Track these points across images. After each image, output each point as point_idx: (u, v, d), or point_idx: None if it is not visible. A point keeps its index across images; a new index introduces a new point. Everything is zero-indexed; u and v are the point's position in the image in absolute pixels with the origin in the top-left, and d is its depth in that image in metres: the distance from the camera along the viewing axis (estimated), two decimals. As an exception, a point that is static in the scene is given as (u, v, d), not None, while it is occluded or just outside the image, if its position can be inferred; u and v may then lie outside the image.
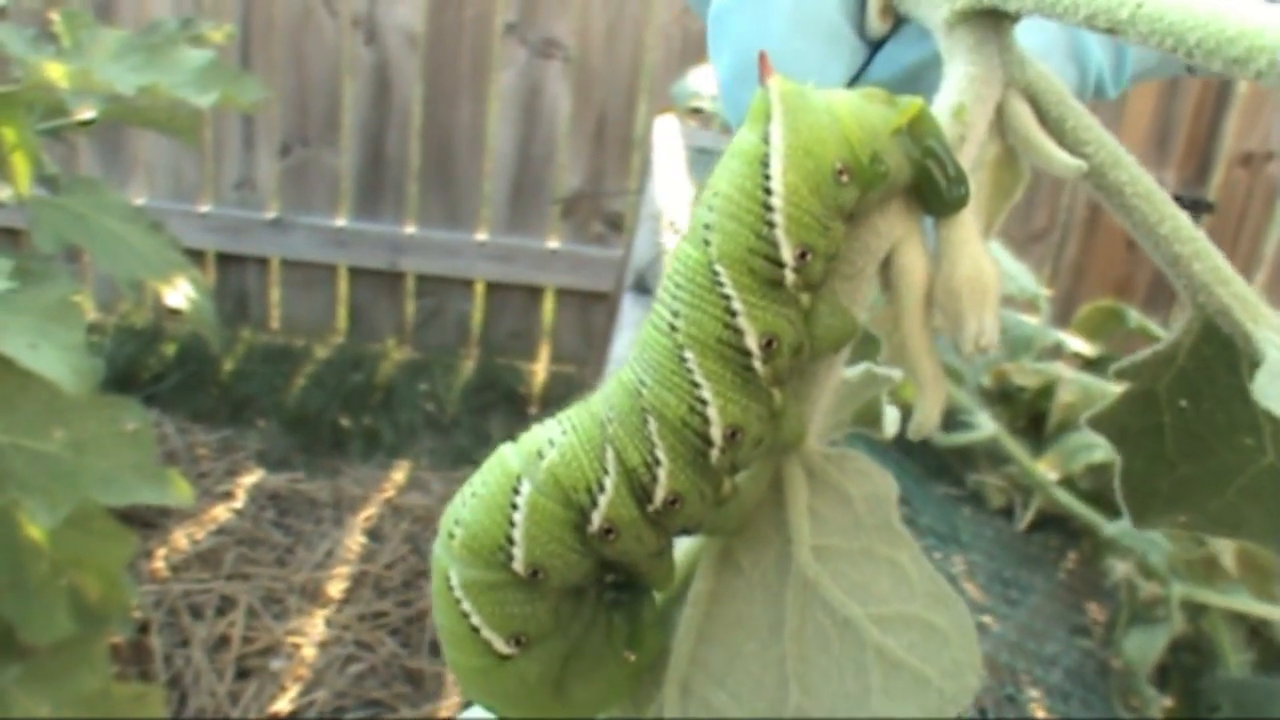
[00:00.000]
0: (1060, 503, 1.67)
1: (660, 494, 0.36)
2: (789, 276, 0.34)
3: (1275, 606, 1.49)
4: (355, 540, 2.46)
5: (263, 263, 3.31)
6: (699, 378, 0.35)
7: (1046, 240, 3.14)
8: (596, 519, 0.36)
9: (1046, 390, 1.77)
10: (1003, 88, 0.35)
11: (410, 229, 3.25)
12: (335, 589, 2.32)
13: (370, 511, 2.56)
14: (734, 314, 0.34)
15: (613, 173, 3.24)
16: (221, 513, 2.46)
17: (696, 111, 1.79)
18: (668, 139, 2.14)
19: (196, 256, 3.15)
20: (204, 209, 3.22)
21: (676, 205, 1.76)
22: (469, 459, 2.85)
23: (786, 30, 0.32)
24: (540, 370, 3.39)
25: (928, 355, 0.37)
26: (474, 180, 3.24)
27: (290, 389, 3.07)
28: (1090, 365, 1.91)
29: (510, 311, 3.36)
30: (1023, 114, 0.35)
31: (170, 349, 3.16)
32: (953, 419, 1.69)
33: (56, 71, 1.63)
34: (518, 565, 0.36)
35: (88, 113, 2.00)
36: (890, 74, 0.36)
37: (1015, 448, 1.70)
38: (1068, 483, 1.69)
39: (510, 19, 3.10)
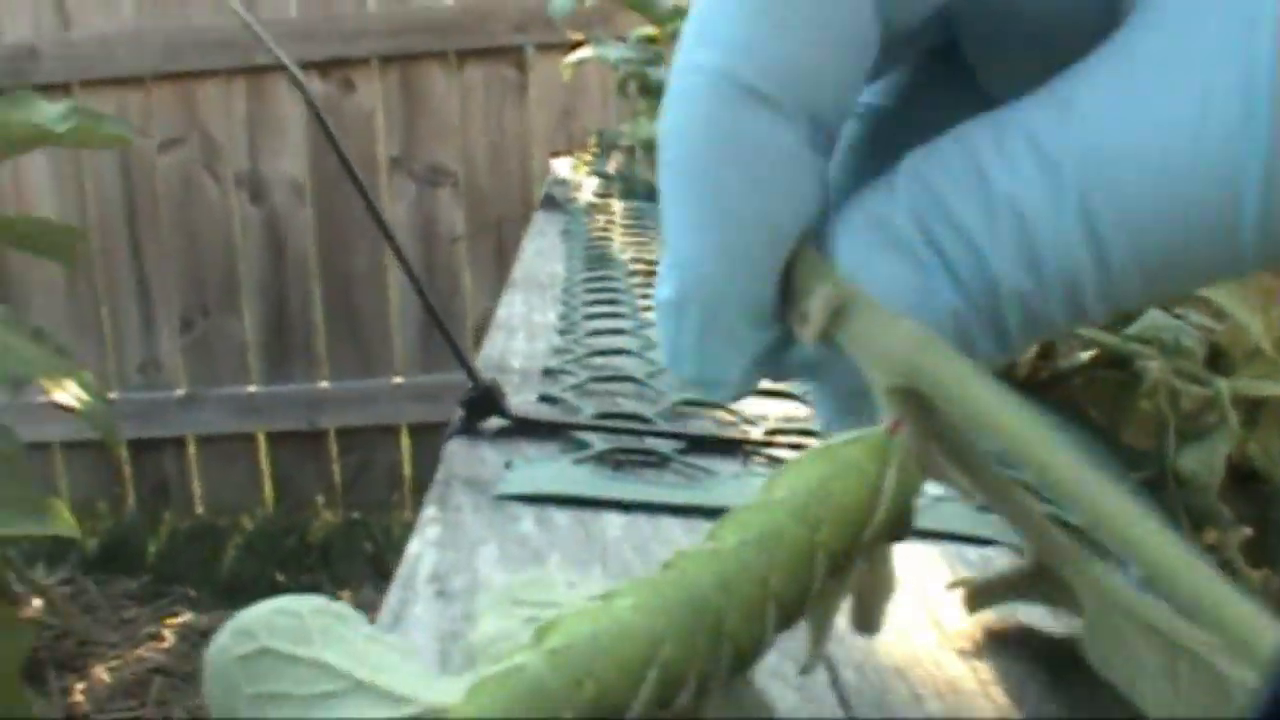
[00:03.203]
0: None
1: None
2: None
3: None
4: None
5: (178, 443, 3.19)
6: None
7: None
8: None
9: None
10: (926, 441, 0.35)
11: (324, 384, 3.16)
12: None
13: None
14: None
15: (523, 298, 3.18)
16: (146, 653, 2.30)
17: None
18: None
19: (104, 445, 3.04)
20: (112, 396, 3.12)
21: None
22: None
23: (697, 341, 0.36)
24: (482, 513, 3.26)
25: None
26: (381, 323, 3.17)
27: (221, 561, 2.92)
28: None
29: (439, 450, 3.24)
30: (939, 461, 0.36)
31: (89, 545, 3.01)
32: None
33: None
34: None
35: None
36: (806, 356, 0.38)
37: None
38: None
39: (394, 153, 3.08)
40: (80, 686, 2.13)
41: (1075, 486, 0.29)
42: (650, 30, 1.67)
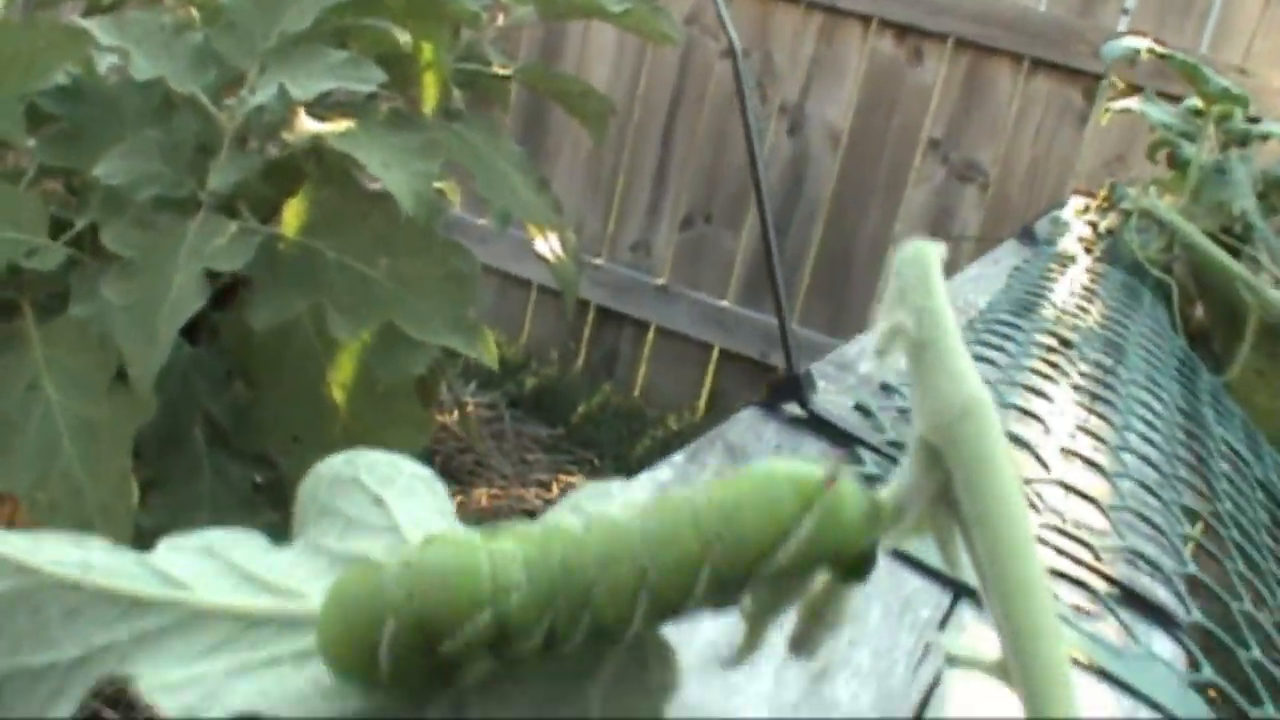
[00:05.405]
0: None
1: None
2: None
3: None
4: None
5: (640, 326, 3.34)
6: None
7: None
8: None
9: None
10: (936, 498, 0.36)
11: (792, 326, 3.21)
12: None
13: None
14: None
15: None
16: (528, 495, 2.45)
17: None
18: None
19: (580, 305, 3.22)
20: (598, 262, 3.30)
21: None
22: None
23: None
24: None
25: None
26: (866, 293, 3.19)
27: (636, 446, 3.05)
28: None
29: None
30: (947, 524, 0.37)
31: (527, 384, 3.21)
32: None
33: (481, -50, 1.70)
34: None
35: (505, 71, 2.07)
36: None
37: None
38: None
39: (935, 135, 3.08)
40: (459, 499, 2.29)
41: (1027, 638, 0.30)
42: (1198, 103, 1.60)
